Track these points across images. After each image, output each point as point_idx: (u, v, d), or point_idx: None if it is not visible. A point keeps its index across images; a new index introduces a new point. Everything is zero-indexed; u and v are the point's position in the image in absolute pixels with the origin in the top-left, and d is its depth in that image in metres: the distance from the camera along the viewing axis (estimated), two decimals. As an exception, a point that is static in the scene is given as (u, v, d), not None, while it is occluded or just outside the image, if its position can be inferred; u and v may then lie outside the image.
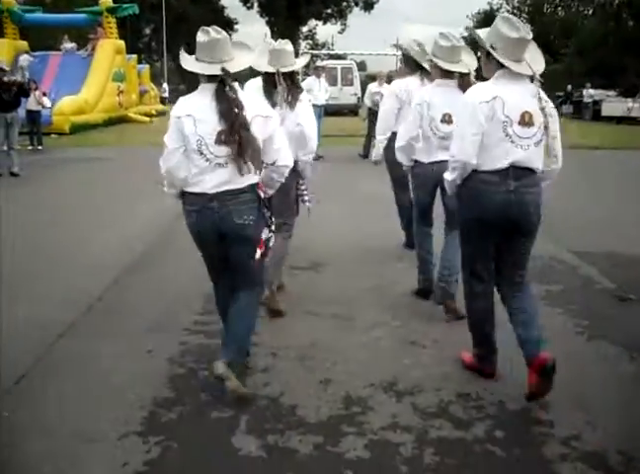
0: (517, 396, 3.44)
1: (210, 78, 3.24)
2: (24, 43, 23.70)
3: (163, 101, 34.37)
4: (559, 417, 3.24)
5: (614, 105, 29.95)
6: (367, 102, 14.16)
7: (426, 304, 4.84)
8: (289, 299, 4.85)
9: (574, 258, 6.19)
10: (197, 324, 4.37)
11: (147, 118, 24.64)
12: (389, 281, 5.39)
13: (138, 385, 3.48)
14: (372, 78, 16.94)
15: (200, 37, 3.25)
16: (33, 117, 15.32)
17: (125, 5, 25.52)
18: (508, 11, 62.15)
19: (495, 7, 62.53)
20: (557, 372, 3.70)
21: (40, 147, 15.55)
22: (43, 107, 15.64)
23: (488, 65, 3.44)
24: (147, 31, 58.64)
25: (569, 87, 34.58)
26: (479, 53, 3.59)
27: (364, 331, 4.30)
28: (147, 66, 32.80)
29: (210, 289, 4.98)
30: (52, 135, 17.93)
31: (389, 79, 6.42)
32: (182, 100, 3.34)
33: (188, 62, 3.29)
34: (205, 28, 3.28)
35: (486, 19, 63.01)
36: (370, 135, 14.07)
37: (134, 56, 27.82)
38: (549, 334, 4.29)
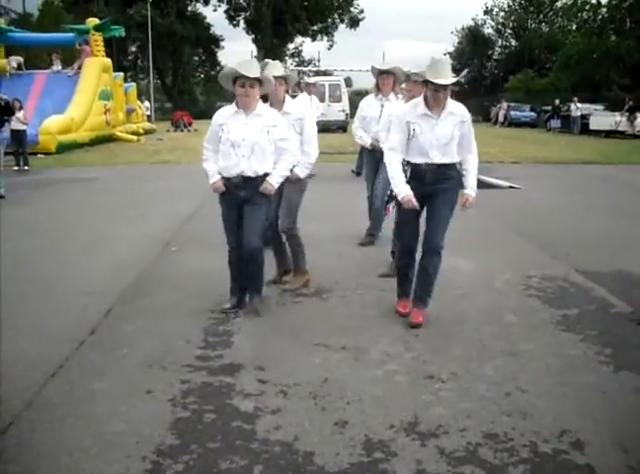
0: (547, 435, 3.20)
1: None
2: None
3: (148, 119, 34.12)
4: (597, 460, 2.99)
5: (602, 119, 30.08)
6: (360, 119, 13.95)
7: (438, 333, 4.59)
8: (295, 329, 4.61)
9: (584, 279, 5.96)
10: (198, 359, 4.08)
11: (134, 137, 24.35)
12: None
13: (138, 431, 3.18)
14: (359, 94, 16.80)
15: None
16: (18, 136, 14.96)
17: (113, 26, 25.35)
18: (492, 26, 62.68)
19: (479, 23, 63.00)
20: (589, 407, 3.49)
21: (26, 167, 15.19)
22: (27, 124, 15.33)
23: None
24: (133, 48, 58.57)
25: (557, 101, 34.64)
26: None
27: (378, 364, 4.03)
28: (134, 84, 32.57)
29: (209, 321, 4.77)
30: (39, 155, 17.60)
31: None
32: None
33: None
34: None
35: (470, 35, 63.52)
36: (363, 152, 13.88)
37: (121, 74, 27.57)
38: (573, 363, 4.10)
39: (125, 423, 3.28)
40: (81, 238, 7.67)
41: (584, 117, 30.99)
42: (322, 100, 23.29)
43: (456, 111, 4.58)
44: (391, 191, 4.90)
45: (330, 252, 6.77)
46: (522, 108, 41.40)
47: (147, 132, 28.23)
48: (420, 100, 4.59)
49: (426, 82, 4.46)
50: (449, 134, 4.54)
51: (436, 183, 4.63)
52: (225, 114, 4.79)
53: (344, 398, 3.56)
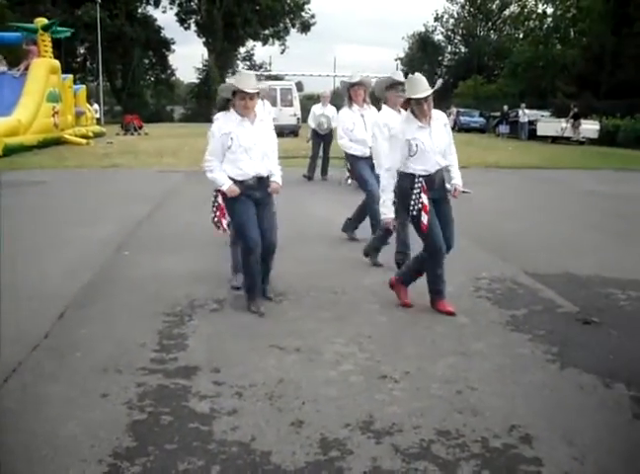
0: (497, 431, 3.30)
1: None
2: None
3: (97, 122, 33.61)
4: (545, 453, 3.10)
5: (549, 125, 30.86)
6: (312, 123, 14.02)
7: (392, 334, 4.68)
8: (249, 331, 4.64)
9: (533, 281, 6.13)
10: (153, 362, 4.07)
11: (84, 140, 23.96)
12: (350, 310, 5.21)
13: (94, 435, 3.17)
14: (310, 98, 16.82)
15: None
16: (-37, 139, 14.66)
17: (61, 28, 24.93)
18: (442, 33, 63.64)
19: (430, 29, 63.86)
20: (537, 404, 3.62)
21: (-29, 171, 14.85)
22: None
23: None
24: (82, 50, 57.64)
25: (505, 107, 35.34)
26: None
27: (332, 365, 4.09)
28: (83, 87, 31.96)
29: (164, 324, 4.76)
30: (-16, 158, 17.21)
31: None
32: None
33: None
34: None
35: (421, 41, 64.35)
36: (315, 157, 13.98)
37: (70, 76, 27.09)
38: (521, 362, 4.22)
39: (81, 427, 3.26)
40: (32, 242, 7.54)
41: (531, 123, 31.70)
42: (274, 104, 23.30)
43: (438, 116, 5.09)
44: (409, 206, 5.08)
45: (284, 255, 6.79)
46: (472, 113, 42.10)
47: (97, 136, 27.81)
48: (409, 115, 5.00)
49: (409, 100, 4.90)
50: (444, 138, 5.09)
51: (441, 186, 5.16)
52: (228, 121, 5.03)
53: (299, 398, 3.60)
